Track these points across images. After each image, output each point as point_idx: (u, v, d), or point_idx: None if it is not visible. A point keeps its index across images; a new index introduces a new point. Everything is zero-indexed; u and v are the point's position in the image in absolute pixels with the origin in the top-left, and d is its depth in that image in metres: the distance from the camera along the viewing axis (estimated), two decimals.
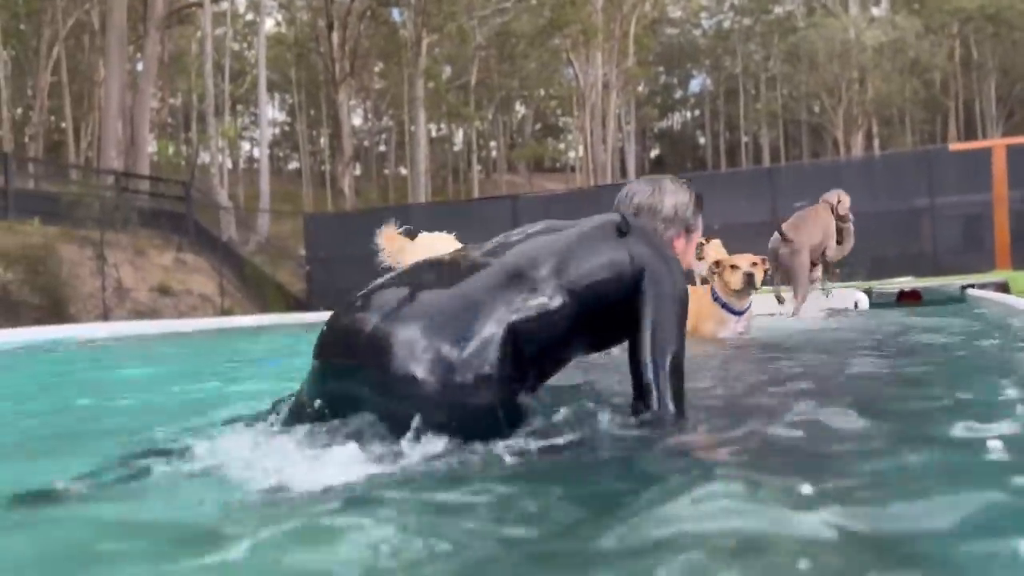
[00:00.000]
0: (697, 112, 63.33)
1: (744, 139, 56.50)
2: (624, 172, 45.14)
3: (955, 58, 44.46)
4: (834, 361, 3.08)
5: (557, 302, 1.78)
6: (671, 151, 66.36)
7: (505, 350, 1.66)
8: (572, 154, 53.89)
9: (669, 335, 1.86)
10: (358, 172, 47.53)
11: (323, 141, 50.79)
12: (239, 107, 45.91)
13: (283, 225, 28.46)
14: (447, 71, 40.26)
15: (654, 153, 66.69)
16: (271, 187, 29.39)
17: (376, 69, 45.13)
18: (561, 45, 36.38)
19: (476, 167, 48.20)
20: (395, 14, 33.21)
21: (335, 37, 26.89)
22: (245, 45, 44.92)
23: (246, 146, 53.11)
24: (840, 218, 6.07)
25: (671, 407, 1.79)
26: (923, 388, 2.31)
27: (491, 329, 1.67)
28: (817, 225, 5.97)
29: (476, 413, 1.64)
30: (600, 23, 33.13)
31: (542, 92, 49.11)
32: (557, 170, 59.32)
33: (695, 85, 61.79)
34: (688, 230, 2.33)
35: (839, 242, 6.06)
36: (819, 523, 1.03)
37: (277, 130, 57.25)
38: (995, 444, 1.35)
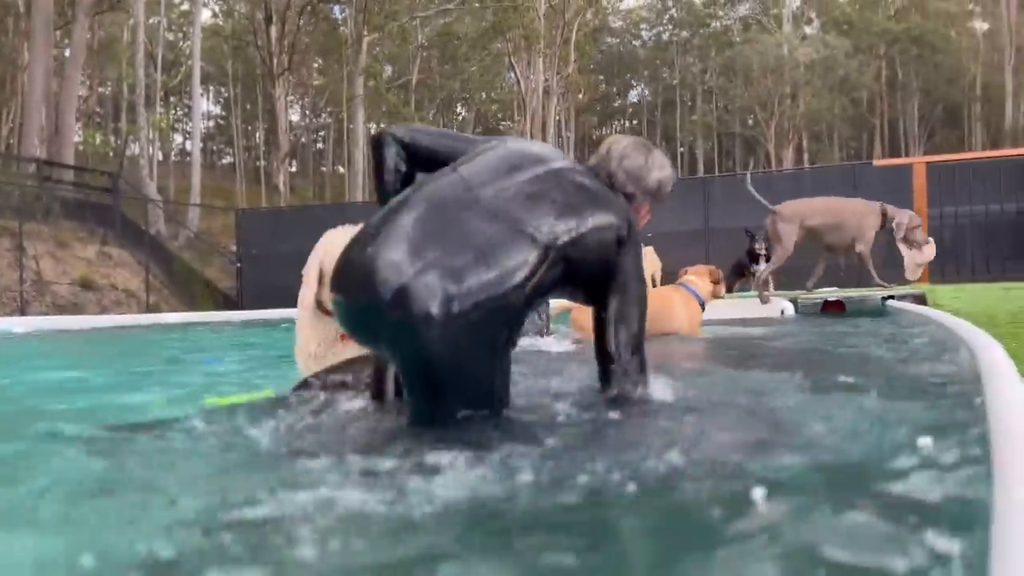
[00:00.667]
0: (635, 121, 64.23)
1: (680, 149, 57.53)
2: None
3: (881, 78, 46.14)
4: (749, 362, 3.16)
5: (554, 259, 1.87)
6: None
7: (504, 297, 1.77)
8: None
9: (635, 312, 2.00)
10: (294, 169, 46.79)
11: (259, 136, 49.81)
12: (172, 98, 44.68)
13: (215, 220, 27.76)
14: (388, 70, 39.97)
15: (593, 160, 67.25)
16: (204, 181, 28.67)
17: (315, 65, 44.50)
18: (503, 49, 36.46)
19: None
20: (336, 10, 32.83)
21: (273, 31, 26.40)
22: (180, 35, 43.75)
23: (178, 138, 51.74)
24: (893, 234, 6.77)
25: (635, 376, 1.97)
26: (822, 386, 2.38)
27: (492, 278, 1.76)
28: (834, 213, 6.85)
29: (477, 354, 1.77)
30: (542, 29, 33.29)
31: (484, 95, 49.13)
32: None
33: (634, 95, 62.66)
34: (653, 204, 2.40)
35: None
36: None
37: (211, 123, 55.87)
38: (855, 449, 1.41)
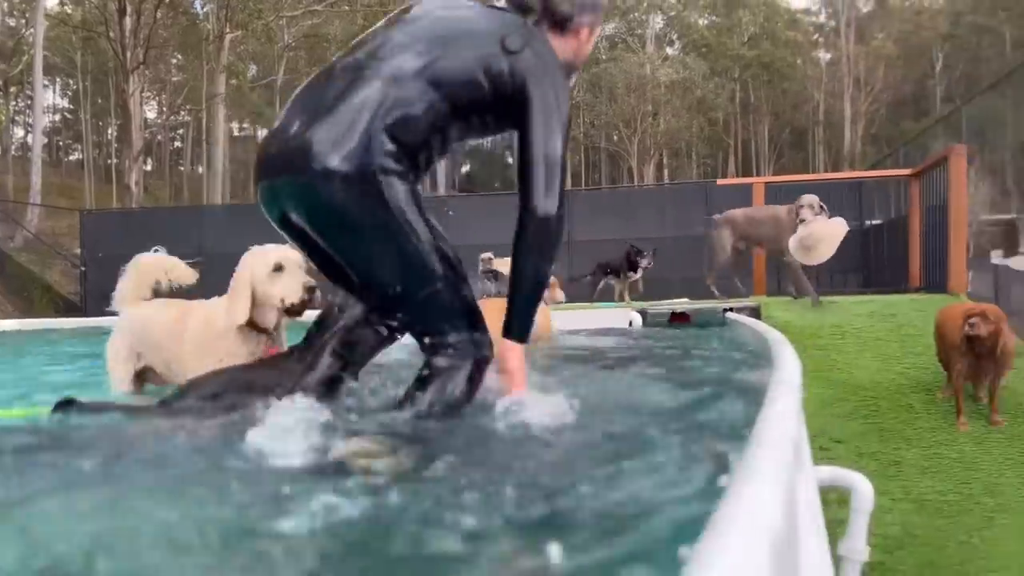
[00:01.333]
0: (506, 133, 64.95)
1: None
2: (434, 185, 45.42)
3: (736, 100, 48.84)
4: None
5: (425, 103, 1.98)
6: (481, 169, 67.69)
7: (383, 147, 1.90)
8: None
9: (554, 150, 2.07)
10: (149, 168, 44.45)
11: (111, 132, 47.01)
12: (12, 89, 41.48)
13: (58, 220, 25.94)
14: (252, 69, 38.69)
15: (465, 169, 67.71)
16: (49, 179, 26.77)
17: (174, 61, 42.49)
18: None
19: None
20: (196, 4, 31.50)
21: (127, 23, 25.03)
22: (23, 22, 40.71)
23: (19, 132, 48.06)
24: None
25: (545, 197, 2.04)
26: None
27: (368, 129, 1.89)
28: (758, 220, 7.18)
29: (369, 201, 1.88)
30: None
31: None
32: None
33: None
34: (594, 24, 2.32)
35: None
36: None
37: (57, 117, 52.27)
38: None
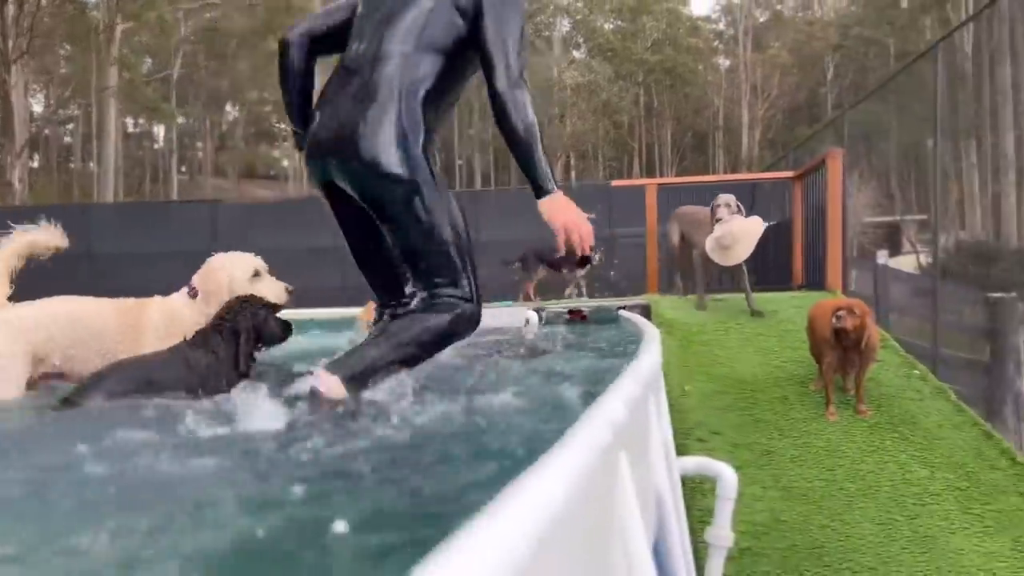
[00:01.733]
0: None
1: (459, 162, 58.66)
2: None
3: (640, 104, 49.95)
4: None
5: (432, 71, 2.48)
6: None
7: (402, 115, 2.40)
8: (287, 162, 52.26)
9: (508, 34, 2.46)
10: (36, 164, 42.15)
11: None
12: None
13: None
14: (147, 63, 37.20)
15: None
16: None
17: (62, 52, 40.42)
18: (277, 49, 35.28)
19: (179, 168, 44.94)
20: None
21: (9, 10, 23.68)
22: None
23: None
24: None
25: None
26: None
27: (391, 103, 2.40)
28: (689, 218, 7.04)
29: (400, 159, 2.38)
30: None
31: (256, 95, 47.17)
32: (271, 178, 57.18)
33: None
34: None
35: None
36: None
37: None
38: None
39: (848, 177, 10.04)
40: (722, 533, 2.67)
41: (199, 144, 50.33)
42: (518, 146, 2.45)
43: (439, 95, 2.50)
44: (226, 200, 23.40)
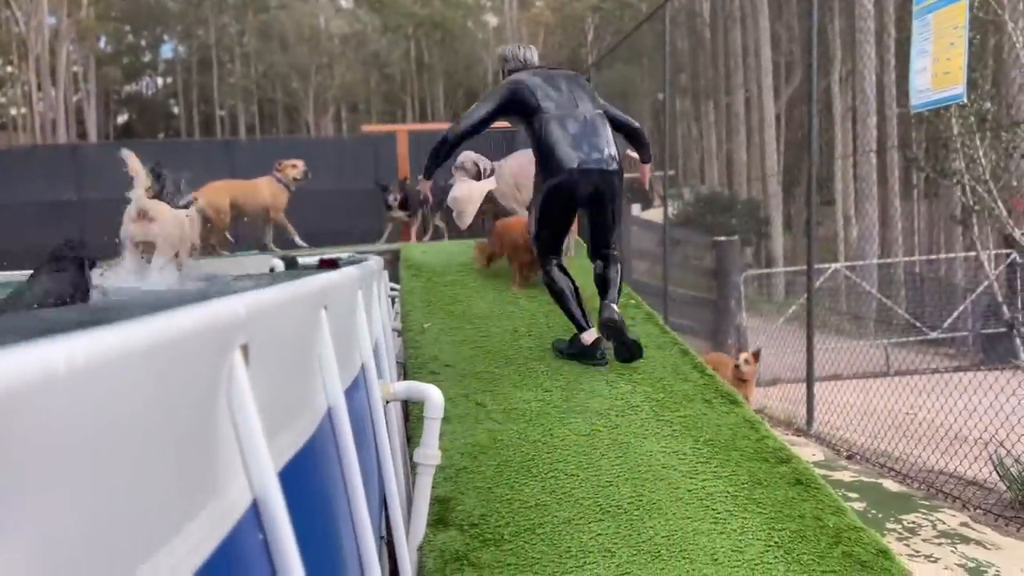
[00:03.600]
0: (169, 79, 59.73)
1: (220, 112, 55.12)
2: (83, 134, 40.53)
3: (411, 58, 49.56)
4: None
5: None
6: (141, 117, 61.53)
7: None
8: (15, 111, 46.29)
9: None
10: None
11: None
12: None
13: None
14: None
15: (121, 119, 61.12)
16: None
17: None
18: None
19: None
20: None
21: None
22: None
23: None
24: None
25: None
26: None
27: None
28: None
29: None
30: None
31: None
32: None
33: (167, 50, 58.11)
34: None
35: None
36: None
37: None
38: None
39: None
40: (429, 452, 2.77)
41: None
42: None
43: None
44: None
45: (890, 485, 5.12)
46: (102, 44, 46.39)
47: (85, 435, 0.77)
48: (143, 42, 57.40)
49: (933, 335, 12.27)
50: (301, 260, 7.62)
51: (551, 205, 4.13)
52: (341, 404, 1.91)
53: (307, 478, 1.60)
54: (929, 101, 4.94)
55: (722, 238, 12.22)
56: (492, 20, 54.77)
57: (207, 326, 1.12)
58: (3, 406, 0.62)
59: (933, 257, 17.59)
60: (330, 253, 7.82)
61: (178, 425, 1.04)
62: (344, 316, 2.25)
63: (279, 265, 6.47)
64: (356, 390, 2.28)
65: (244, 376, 1.25)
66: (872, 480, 5.22)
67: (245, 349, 1.28)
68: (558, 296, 4.25)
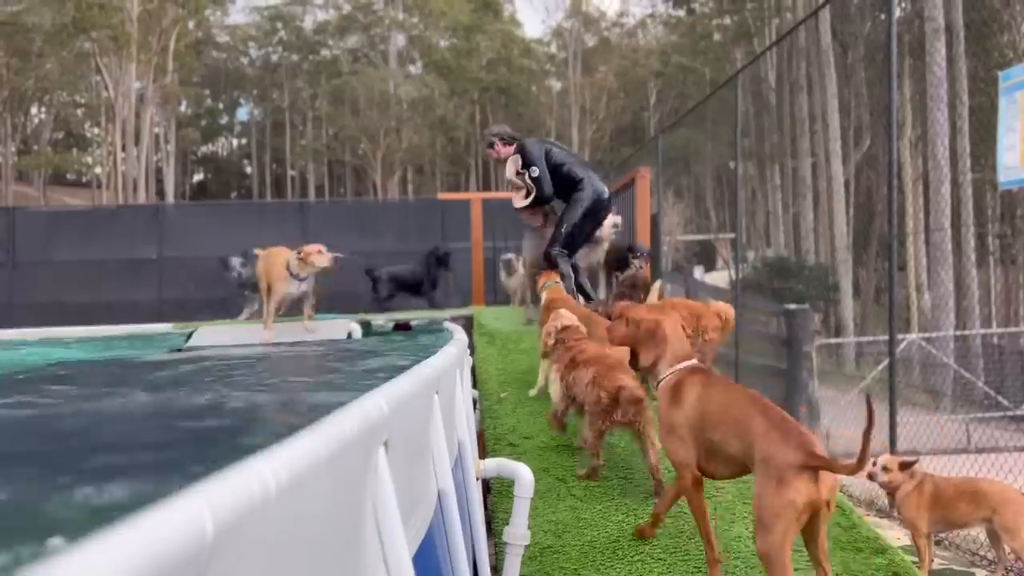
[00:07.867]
0: (244, 140, 62.24)
1: (291, 173, 57.02)
2: (162, 194, 42.31)
3: (475, 121, 50.69)
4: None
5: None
6: (216, 177, 64.06)
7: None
8: (100, 169, 48.71)
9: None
10: None
11: None
12: None
13: None
14: None
15: (197, 177, 63.72)
16: None
17: None
18: (90, 49, 32.95)
19: None
20: None
21: None
22: None
23: None
24: None
25: None
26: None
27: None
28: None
29: None
30: (135, 32, 30.73)
31: (65, 96, 43.76)
32: (83, 185, 53.20)
33: (242, 113, 60.72)
34: None
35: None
36: None
37: None
38: None
39: (662, 196, 10.65)
40: (518, 532, 2.76)
41: None
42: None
43: None
44: (22, 207, 21.52)
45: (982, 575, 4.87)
46: (183, 107, 48.61)
47: (287, 542, 0.82)
48: (221, 105, 60.16)
49: (1020, 412, 11.77)
50: (375, 323, 7.77)
51: None
52: (450, 487, 1.94)
53: (427, 562, 1.62)
54: (1018, 179, 4.86)
55: (793, 306, 12.00)
56: (556, 84, 55.81)
57: (360, 427, 1.17)
58: (229, 526, 0.67)
59: (1014, 330, 16.96)
60: (399, 316, 7.95)
61: (338, 522, 1.08)
62: (448, 397, 2.29)
63: (356, 330, 6.60)
64: (456, 470, 2.30)
65: (387, 470, 1.29)
66: (963, 569, 4.98)
67: (386, 444, 1.32)
68: None
